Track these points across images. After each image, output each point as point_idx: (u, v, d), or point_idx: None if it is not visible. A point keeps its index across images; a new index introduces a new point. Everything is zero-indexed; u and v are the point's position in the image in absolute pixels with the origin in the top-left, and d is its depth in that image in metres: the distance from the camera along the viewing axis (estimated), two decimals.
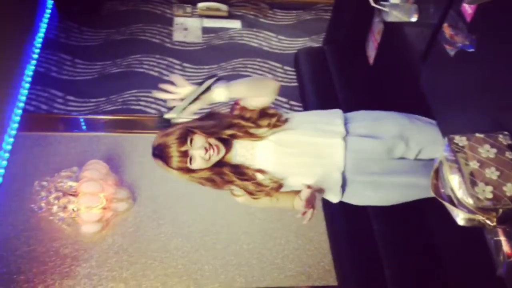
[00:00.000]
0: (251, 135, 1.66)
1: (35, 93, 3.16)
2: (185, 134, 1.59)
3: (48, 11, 3.67)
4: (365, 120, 1.74)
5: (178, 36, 3.70)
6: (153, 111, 3.14)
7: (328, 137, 1.67)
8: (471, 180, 1.14)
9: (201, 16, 3.84)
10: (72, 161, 2.76)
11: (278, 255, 2.57)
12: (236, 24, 3.83)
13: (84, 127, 3.12)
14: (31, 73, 3.22)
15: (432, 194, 1.30)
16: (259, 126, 1.66)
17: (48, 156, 2.84)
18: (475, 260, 1.65)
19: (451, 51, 1.53)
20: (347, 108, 1.79)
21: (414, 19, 1.92)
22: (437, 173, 1.28)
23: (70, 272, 2.44)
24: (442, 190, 1.24)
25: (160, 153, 1.61)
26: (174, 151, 1.58)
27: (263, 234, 2.63)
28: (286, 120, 1.68)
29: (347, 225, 2.29)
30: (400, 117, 1.76)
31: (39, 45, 3.42)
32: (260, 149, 1.66)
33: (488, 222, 1.13)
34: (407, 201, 1.76)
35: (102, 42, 3.58)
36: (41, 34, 3.49)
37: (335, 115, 1.73)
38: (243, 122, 1.66)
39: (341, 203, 1.76)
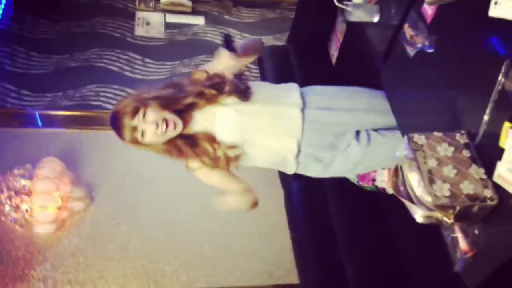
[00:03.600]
0: (211, 101, 1.64)
1: None
2: (137, 108, 1.56)
3: (3, 1, 3.51)
4: (323, 94, 1.80)
5: (140, 30, 3.61)
6: (112, 107, 3.05)
7: (287, 108, 1.69)
8: (429, 178, 1.15)
9: (164, 11, 3.76)
10: (25, 159, 2.64)
11: (240, 255, 2.54)
12: (199, 20, 3.78)
13: (39, 123, 2.99)
14: None
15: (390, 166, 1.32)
16: (221, 93, 1.65)
17: (0, 153, 2.70)
18: (433, 257, 1.68)
19: (411, 52, 1.55)
20: None
21: (376, 19, 1.93)
22: (397, 171, 1.29)
23: (23, 275, 2.34)
24: (401, 188, 1.25)
25: (114, 123, 1.59)
26: (126, 124, 1.55)
27: (225, 233, 2.60)
28: (248, 89, 1.69)
29: (308, 223, 2.29)
30: (356, 92, 1.85)
31: None
32: (220, 116, 1.65)
33: (445, 219, 1.14)
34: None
35: (60, 35, 3.45)
36: None
37: (292, 88, 1.78)
38: (206, 90, 1.64)
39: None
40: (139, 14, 3.71)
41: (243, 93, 1.68)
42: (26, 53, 3.27)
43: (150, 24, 3.66)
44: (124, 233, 2.52)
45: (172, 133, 1.59)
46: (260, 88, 1.76)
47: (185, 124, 1.63)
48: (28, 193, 2.44)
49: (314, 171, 1.81)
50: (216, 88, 1.66)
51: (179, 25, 3.70)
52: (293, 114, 1.69)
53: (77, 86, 3.12)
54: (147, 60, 3.39)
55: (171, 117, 1.58)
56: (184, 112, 1.63)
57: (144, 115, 1.55)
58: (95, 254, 2.44)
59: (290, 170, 1.79)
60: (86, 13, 3.63)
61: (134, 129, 1.56)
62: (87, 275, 2.38)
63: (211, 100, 1.65)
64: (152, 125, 1.55)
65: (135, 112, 1.56)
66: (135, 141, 1.59)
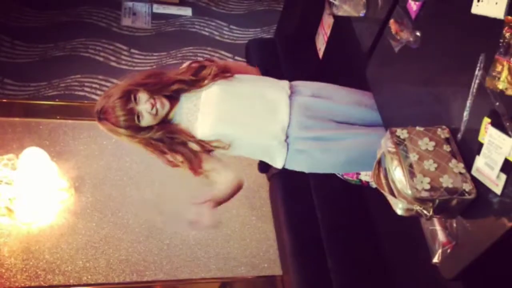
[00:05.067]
0: (196, 85, 1.69)
1: None
2: (128, 92, 1.60)
3: None
4: (312, 85, 1.84)
5: (126, 20, 3.58)
6: (97, 97, 3.03)
7: (273, 92, 1.72)
8: (410, 172, 1.17)
9: (151, 1, 3.73)
10: (8, 148, 2.61)
11: (224, 246, 2.56)
12: (187, 11, 3.76)
13: (23, 113, 2.95)
14: None
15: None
16: (201, 78, 1.70)
17: None
18: (413, 249, 1.71)
19: (396, 47, 1.57)
20: None
21: (362, 14, 1.95)
22: (379, 164, 1.31)
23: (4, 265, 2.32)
24: (383, 181, 1.27)
25: (106, 115, 1.60)
26: (119, 110, 1.58)
27: None
28: (230, 75, 1.73)
29: (292, 215, 2.31)
30: (346, 89, 1.90)
31: None
32: (204, 96, 1.68)
33: (425, 212, 1.16)
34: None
35: (45, 24, 3.40)
36: None
37: (280, 81, 1.81)
38: (185, 78, 1.69)
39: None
40: (126, 4, 3.68)
41: (227, 76, 1.74)
42: (11, 41, 3.22)
43: (137, 14, 3.63)
44: (108, 223, 2.52)
45: (162, 111, 1.64)
46: (246, 76, 1.81)
47: (172, 105, 1.69)
48: (11, 183, 2.41)
49: (301, 166, 1.78)
50: (199, 73, 1.72)
51: (166, 16, 3.68)
52: (279, 98, 1.70)
53: (62, 76, 3.09)
54: (133, 50, 3.37)
55: (158, 97, 1.64)
56: (170, 97, 1.69)
57: (135, 99, 1.60)
58: (78, 245, 2.43)
59: (278, 163, 1.75)
60: (71, 2, 3.58)
61: (130, 112, 1.59)
62: (70, 265, 2.37)
63: (195, 84, 1.70)
64: (147, 104, 1.60)
65: (127, 96, 1.59)
66: (132, 127, 1.62)
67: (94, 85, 3.08)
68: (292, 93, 1.74)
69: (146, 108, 1.60)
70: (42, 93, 2.98)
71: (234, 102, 1.68)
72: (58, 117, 2.88)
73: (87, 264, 2.38)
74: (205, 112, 1.66)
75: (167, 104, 1.65)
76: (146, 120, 1.62)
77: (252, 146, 1.74)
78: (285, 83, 1.78)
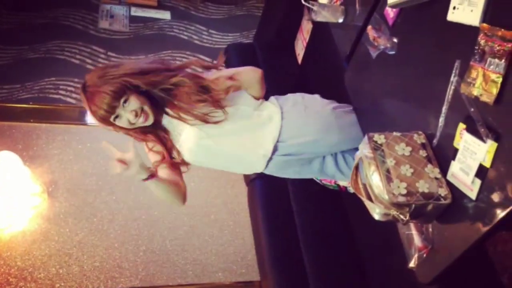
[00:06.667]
0: (181, 117, 1.60)
1: None
2: (123, 91, 1.48)
3: None
4: (296, 137, 1.71)
5: (103, 23, 3.53)
6: (73, 101, 2.97)
7: (252, 157, 1.70)
8: (387, 177, 1.17)
9: (129, 4, 3.69)
10: None
11: (202, 251, 2.53)
12: (165, 15, 3.73)
13: None
14: None
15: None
16: (199, 99, 1.57)
17: None
18: (390, 253, 1.72)
19: (374, 53, 1.58)
20: None
21: (341, 20, 1.96)
22: (357, 169, 1.31)
23: None
24: (361, 186, 1.27)
25: (90, 95, 1.49)
26: (103, 103, 1.47)
27: (187, 230, 2.59)
28: (221, 120, 1.61)
29: (270, 221, 2.30)
30: (327, 129, 1.74)
31: None
32: (186, 133, 1.64)
33: (401, 217, 1.17)
34: None
35: (19, 26, 3.33)
36: None
37: (271, 132, 1.69)
38: (188, 81, 1.56)
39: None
40: (103, 7, 3.63)
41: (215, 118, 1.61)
42: None
43: (114, 17, 3.59)
44: (82, 229, 2.47)
45: (141, 125, 1.57)
46: (236, 114, 1.66)
47: (157, 117, 1.62)
48: None
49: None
50: (202, 91, 1.58)
51: (144, 19, 3.65)
52: (257, 165, 1.72)
53: (36, 78, 3.02)
54: (110, 53, 3.32)
55: (148, 110, 1.54)
56: (159, 107, 1.60)
57: (125, 101, 1.50)
58: (51, 251, 2.37)
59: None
60: (47, 3, 3.52)
61: (111, 110, 1.48)
62: (43, 272, 2.30)
63: (181, 115, 1.59)
64: (131, 114, 1.51)
65: (120, 94, 1.48)
66: (106, 121, 1.52)
67: (69, 88, 3.01)
68: (274, 152, 1.69)
69: (128, 116, 1.51)
70: (16, 95, 2.91)
71: (212, 146, 1.66)
72: (31, 121, 2.81)
73: (60, 271, 2.32)
74: (183, 146, 1.66)
75: (150, 120, 1.56)
76: (122, 123, 1.54)
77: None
78: (269, 145, 1.68)
